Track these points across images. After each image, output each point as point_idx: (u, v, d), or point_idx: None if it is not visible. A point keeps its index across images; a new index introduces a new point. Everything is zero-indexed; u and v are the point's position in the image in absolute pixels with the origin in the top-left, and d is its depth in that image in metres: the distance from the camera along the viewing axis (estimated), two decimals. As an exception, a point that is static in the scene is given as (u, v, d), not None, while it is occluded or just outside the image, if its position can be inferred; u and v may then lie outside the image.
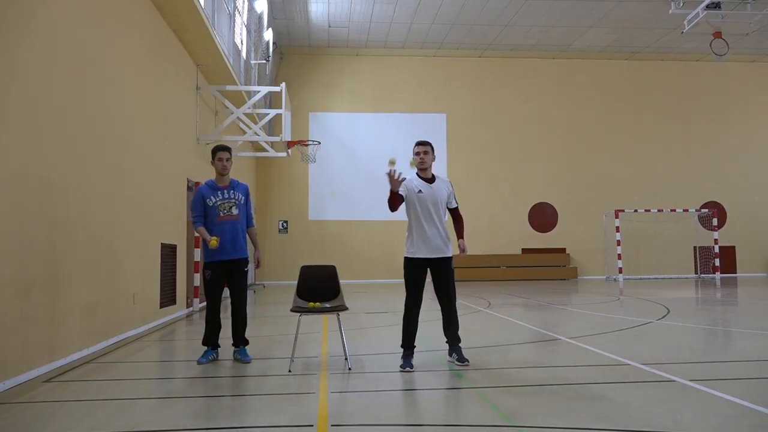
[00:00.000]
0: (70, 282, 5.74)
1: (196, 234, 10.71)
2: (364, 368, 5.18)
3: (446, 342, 5.34)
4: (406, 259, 5.29)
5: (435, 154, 5.41)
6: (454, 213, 5.46)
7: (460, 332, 5.30)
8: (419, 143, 5.39)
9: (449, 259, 5.28)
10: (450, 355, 5.29)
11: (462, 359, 5.14)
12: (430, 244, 5.19)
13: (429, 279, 5.31)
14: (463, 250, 5.32)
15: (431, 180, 5.33)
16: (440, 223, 5.25)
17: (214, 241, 5.38)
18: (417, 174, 5.38)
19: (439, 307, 5.36)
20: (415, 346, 5.22)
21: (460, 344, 5.26)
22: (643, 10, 18.07)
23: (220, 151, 5.67)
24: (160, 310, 8.83)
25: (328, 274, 5.71)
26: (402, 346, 5.20)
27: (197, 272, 10.66)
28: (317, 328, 7.63)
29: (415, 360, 5.15)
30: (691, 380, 4.45)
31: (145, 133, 8.23)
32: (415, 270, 5.24)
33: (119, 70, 7.27)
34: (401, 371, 4.98)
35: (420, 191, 5.23)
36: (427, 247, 5.19)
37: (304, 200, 20.82)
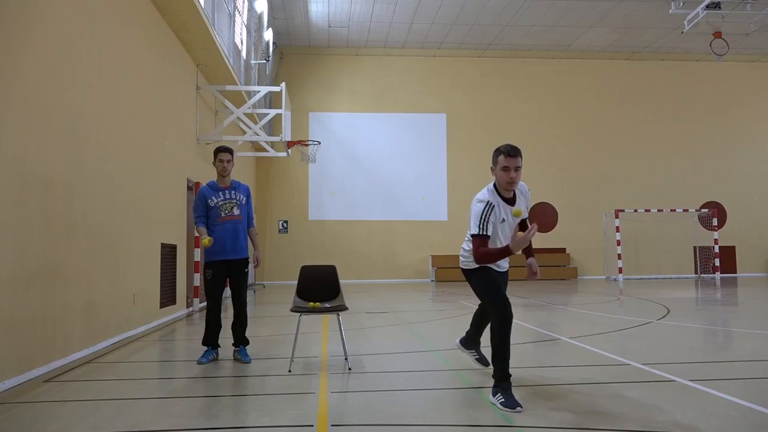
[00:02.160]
0: (70, 282, 5.74)
1: (196, 235, 10.73)
2: (364, 368, 5.17)
3: (468, 333, 4.94)
4: (477, 269, 4.26)
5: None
6: (522, 224, 4.50)
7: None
8: (511, 154, 4.01)
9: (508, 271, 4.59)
10: (469, 348, 4.95)
11: (485, 361, 4.88)
12: (500, 264, 4.40)
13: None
14: (534, 273, 4.46)
15: (513, 199, 4.19)
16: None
17: (206, 240, 5.40)
18: (495, 189, 4.16)
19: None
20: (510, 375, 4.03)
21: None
22: (643, 10, 18.07)
23: (221, 152, 5.69)
24: (160, 310, 8.83)
25: (328, 274, 5.70)
26: (501, 379, 3.95)
27: (197, 272, 10.67)
28: (317, 328, 7.62)
29: (415, 359, 5.12)
30: (691, 380, 4.45)
31: (145, 133, 8.23)
32: (494, 277, 4.30)
33: (119, 70, 7.27)
34: (512, 410, 3.73)
35: (504, 219, 4.14)
36: (497, 265, 4.37)
37: (304, 200, 20.83)
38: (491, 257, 4.05)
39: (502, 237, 4.16)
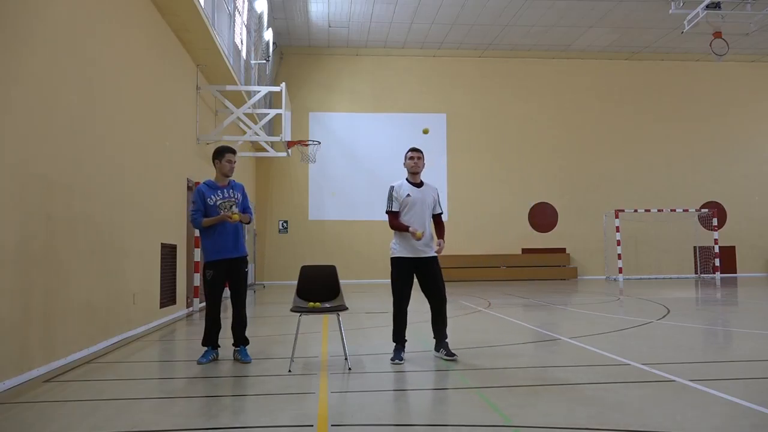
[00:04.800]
0: (70, 282, 5.74)
1: (196, 235, 10.73)
2: (364, 368, 5.18)
3: (433, 338, 5.58)
4: (393, 259, 5.54)
5: (425, 162, 5.73)
6: (437, 219, 5.73)
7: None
8: (414, 149, 5.69)
9: (434, 258, 5.53)
10: (437, 350, 5.51)
11: (450, 353, 5.38)
12: (416, 245, 5.42)
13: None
14: (438, 250, 5.51)
15: (420, 185, 5.63)
16: (426, 225, 5.53)
17: (236, 216, 5.53)
18: (407, 179, 5.65)
19: (429, 306, 5.59)
20: (406, 340, 5.51)
21: (447, 340, 5.51)
22: (643, 10, 18.07)
23: (228, 152, 5.74)
24: (160, 310, 8.83)
25: (328, 274, 5.71)
26: (394, 341, 5.47)
27: (197, 272, 10.66)
28: (317, 328, 7.63)
29: (416, 360, 5.14)
30: (691, 380, 4.45)
31: (145, 133, 8.23)
32: (401, 269, 5.48)
33: (119, 70, 7.27)
34: (392, 363, 5.25)
35: (408, 195, 5.52)
36: (412, 247, 5.44)
37: (304, 200, 20.83)
38: (397, 228, 5.46)
39: (407, 208, 5.49)
